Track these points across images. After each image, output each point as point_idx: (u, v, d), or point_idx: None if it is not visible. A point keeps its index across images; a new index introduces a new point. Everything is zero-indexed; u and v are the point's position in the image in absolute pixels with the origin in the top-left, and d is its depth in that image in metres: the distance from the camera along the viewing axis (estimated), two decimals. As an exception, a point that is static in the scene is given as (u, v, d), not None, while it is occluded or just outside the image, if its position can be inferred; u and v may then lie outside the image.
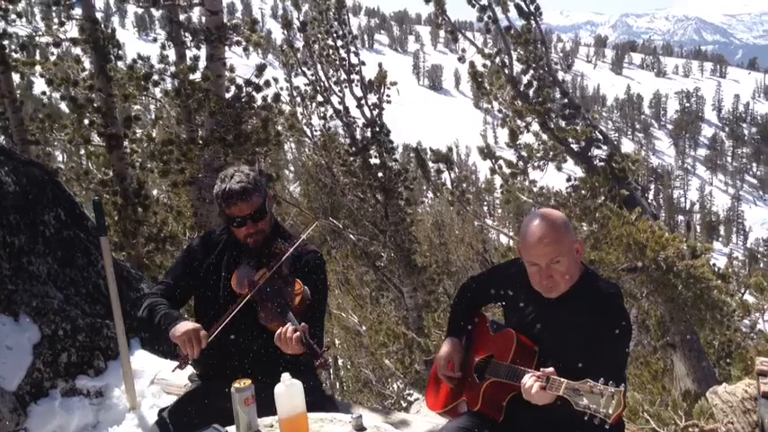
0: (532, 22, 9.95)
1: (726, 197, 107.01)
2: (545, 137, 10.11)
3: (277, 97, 9.50)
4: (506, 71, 10.10)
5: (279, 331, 2.47)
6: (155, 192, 12.22)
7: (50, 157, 12.21)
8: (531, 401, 2.22)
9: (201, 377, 2.90)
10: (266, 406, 2.35)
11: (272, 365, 2.62)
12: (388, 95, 11.28)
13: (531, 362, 2.43)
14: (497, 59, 10.12)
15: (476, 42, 10.69)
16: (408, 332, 10.63)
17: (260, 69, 8.87)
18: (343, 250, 13.60)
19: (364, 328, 11.61)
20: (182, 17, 8.90)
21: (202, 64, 8.68)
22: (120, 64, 9.49)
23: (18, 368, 3.61)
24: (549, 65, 10.20)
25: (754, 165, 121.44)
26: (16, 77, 9.51)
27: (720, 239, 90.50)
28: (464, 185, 11.52)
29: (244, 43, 8.71)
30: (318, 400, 2.61)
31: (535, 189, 10.15)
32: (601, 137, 10.35)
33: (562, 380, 2.15)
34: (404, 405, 10.01)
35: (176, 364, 2.62)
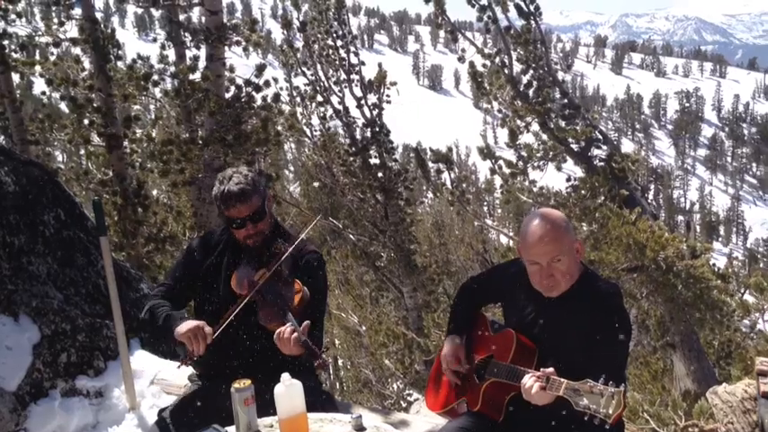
0: (532, 22, 9.95)
1: (726, 197, 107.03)
2: (545, 137, 10.11)
3: (277, 97, 9.49)
4: (506, 71, 10.10)
5: (277, 332, 2.47)
6: (154, 192, 12.22)
7: (50, 157, 12.20)
8: (531, 402, 2.22)
9: (201, 377, 2.90)
10: (266, 406, 2.35)
11: (272, 365, 2.62)
12: (387, 95, 11.27)
13: (531, 362, 2.43)
14: (497, 59, 10.12)
15: (475, 42, 10.69)
16: (408, 332, 10.63)
17: (260, 69, 8.87)
18: (342, 250, 13.60)
19: (364, 328, 11.61)
20: (181, 17, 8.90)
21: (202, 64, 8.68)
22: (119, 64, 9.50)
23: (18, 368, 3.61)
24: (548, 65, 10.20)
25: (754, 165, 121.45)
26: (16, 77, 9.51)
27: (720, 239, 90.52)
28: (464, 185, 11.52)
29: (243, 43, 8.71)
30: (318, 401, 2.61)
31: (535, 189, 10.15)
32: (600, 137, 10.35)
33: (562, 380, 2.15)
34: (404, 405, 10.02)
35: (179, 362, 2.63)
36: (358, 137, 11.41)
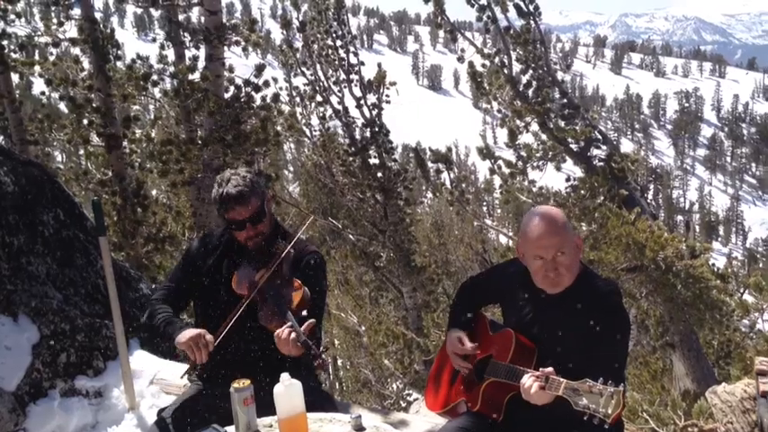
0: (531, 22, 9.95)
1: (725, 197, 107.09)
2: (544, 137, 10.11)
3: (276, 97, 9.49)
4: (505, 71, 10.10)
5: (277, 332, 2.47)
6: (154, 192, 12.21)
7: (49, 158, 12.21)
8: (531, 401, 2.23)
9: (201, 377, 2.90)
10: (266, 406, 2.35)
11: (272, 365, 2.62)
12: (387, 95, 11.27)
13: (531, 362, 2.43)
14: (496, 59, 10.13)
15: (475, 42, 10.69)
16: (408, 332, 10.63)
17: (259, 69, 8.87)
18: (342, 250, 13.60)
19: (363, 328, 11.61)
20: (181, 17, 8.90)
21: (201, 64, 8.68)
22: (119, 64, 9.50)
23: (17, 368, 3.60)
24: (548, 65, 10.21)
25: (754, 165, 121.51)
26: (15, 77, 9.51)
27: (719, 239, 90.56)
28: (463, 185, 11.51)
29: (243, 43, 8.71)
30: (318, 400, 2.60)
31: (534, 189, 10.15)
32: (600, 137, 10.35)
33: (561, 380, 2.15)
34: (403, 405, 10.02)
35: (183, 373, 2.63)
36: (357, 137, 11.41)
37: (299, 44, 11.78)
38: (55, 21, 8.99)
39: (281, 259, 2.68)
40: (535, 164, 10.22)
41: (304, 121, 11.80)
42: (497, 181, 11.05)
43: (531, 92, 10.07)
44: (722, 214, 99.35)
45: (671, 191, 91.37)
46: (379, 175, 11.16)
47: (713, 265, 9.47)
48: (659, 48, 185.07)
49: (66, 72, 8.94)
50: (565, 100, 10.45)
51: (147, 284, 5.16)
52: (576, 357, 2.28)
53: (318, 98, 11.51)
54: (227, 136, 8.47)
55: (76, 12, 8.42)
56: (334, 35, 11.24)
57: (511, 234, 13.71)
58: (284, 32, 11.71)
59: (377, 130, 11.23)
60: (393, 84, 11.30)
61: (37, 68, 9.11)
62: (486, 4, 9.93)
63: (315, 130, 11.97)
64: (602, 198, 9.46)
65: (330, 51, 11.32)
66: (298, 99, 11.79)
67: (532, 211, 2.49)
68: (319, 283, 2.80)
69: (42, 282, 4.03)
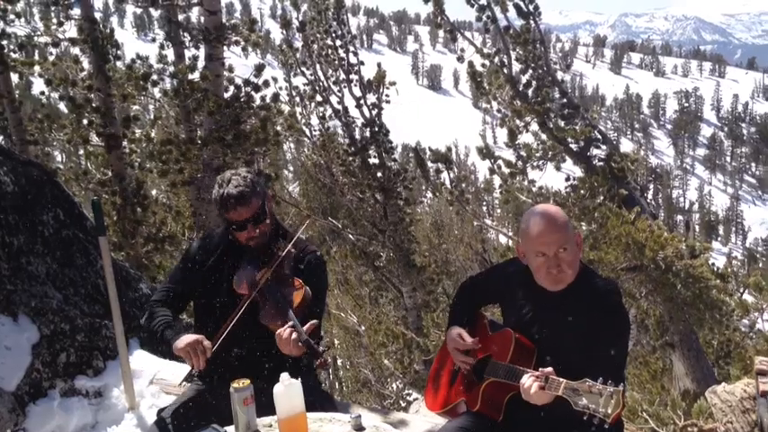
0: (531, 21, 9.95)
1: (725, 197, 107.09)
2: (544, 137, 10.11)
3: (276, 97, 9.49)
4: (505, 71, 10.09)
5: (278, 332, 2.47)
6: (154, 192, 12.21)
7: (49, 157, 12.19)
8: (531, 401, 2.22)
9: (201, 377, 2.89)
10: (265, 406, 2.35)
11: (272, 365, 2.62)
12: (386, 95, 11.26)
13: (530, 361, 2.43)
14: (496, 59, 10.12)
15: (475, 42, 10.68)
16: (407, 332, 10.62)
17: (259, 69, 8.87)
18: (342, 250, 13.59)
19: (363, 327, 11.61)
20: (180, 17, 8.89)
21: (201, 64, 8.68)
22: (118, 64, 9.48)
23: (17, 368, 3.60)
24: (547, 64, 10.20)
25: (753, 164, 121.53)
26: (15, 77, 9.50)
27: (719, 239, 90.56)
28: (463, 185, 11.51)
29: (242, 43, 8.70)
30: (317, 400, 2.61)
31: (534, 189, 10.15)
32: (600, 136, 10.35)
33: (561, 380, 2.15)
34: (403, 405, 10.02)
35: (182, 380, 2.63)
36: (357, 137, 11.40)
37: (298, 44, 11.77)
38: (54, 21, 8.98)
39: (282, 259, 2.68)
40: (535, 164, 10.21)
41: (304, 120, 11.79)
42: (497, 181, 11.04)
43: (530, 91, 10.06)
44: (722, 214, 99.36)
45: (671, 190, 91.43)
46: (379, 174, 11.15)
47: (713, 264, 9.46)
48: (659, 47, 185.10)
49: (65, 72, 8.93)
50: (564, 100, 10.45)
51: (147, 284, 5.16)
52: (575, 356, 2.28)
53: (318, 98, 11.49)
54: (226, 136, 8.47)
55: (76, 12, 8.42)
56: (333, 35, 11.23)
57: (511, 234, 13.71)
58: (284, 32, 11.71)
59: (376, 129, 11.22)
60: (393, 83, 11.29)
61: (37, 68, 9.11)
62: (485, 3, 9.92)
63: (314, 130, 11.97)
64: (601, 198, 9.46)
65: (330, 51, 11.31)
66: (297, 99, 11.77)
67: (532, 210, 2.49)
68: (320, 282, 2.80)
69: (42, 282, 4.03)
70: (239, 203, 2.66)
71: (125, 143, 9.03)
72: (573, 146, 10.09)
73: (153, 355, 4.32)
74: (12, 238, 3.95)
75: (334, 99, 11.39)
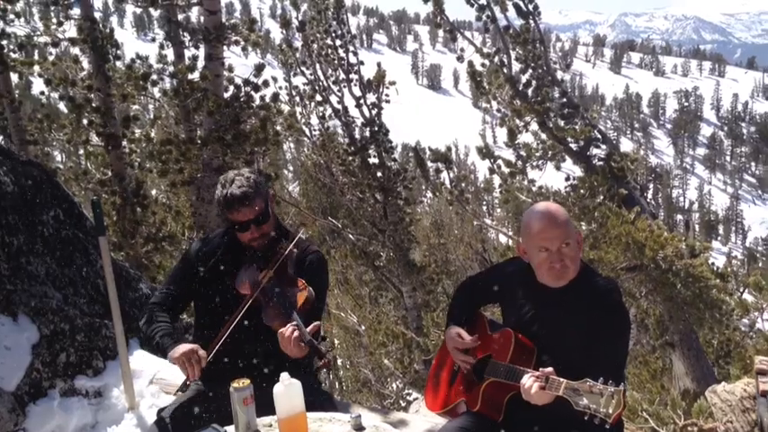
0: (531, 21, 9.94)
1: (725, 196, 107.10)
2: (544, 136, 10.11)
3: (276, 97, 9.48)
4: (505, 70, 10.09)
5: (280, 331, 2.47)
6: (153, 191, 12.21)
7: (49, 157, 12.19)
8: (531, 401, 2.22)
9: (201, 377, 2.89)
10: (265, 406, 2.35)
11: (273, 365, 2.61)
12: (386, 95, 11.25)
13: (530, 361, 2.43)
14: (496, 59, 10.11)
15: (474, 42, 10.68)
16: (407, 332, 10.62)
17: (258, 69, 8.86)
18: (342, 250, 13.58)
19: (363, 327, 11.60)
20: (180, 17, 8.88)
21: (201, 64, 8.67)
22: (118, 64, 9.48)
23: (17, 368, 3.60)
24: (547, 64, 10.20)
25: (753, 164, 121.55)
26: (14, 77, 9.50)
27: (719, 238, 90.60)
28: (463, 185, 11.50)
29: (242, 43, 8.69)
30: (317, 400, 2.60)
31: (534, 188, 10.15)
32: (599, 136, 10.34)
33: (561, 380, 2.15)
34: (403, 405, 10.02)
35: (178, 389, 2.64)
36: (357, 136, 11.39)
37: (298, 44, 11.76)
38: (54, 20, 8.97)
39: (285, 259, 2.67)
40: (535, 163, 10.21)
41: (303, 120, 11.78)
42: (497, 180, 11.04)
43: (530, 91, 10.06)
44: (722, 213, 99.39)
45: (670, 190, 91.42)
46: (379, 174, 11.14)
47: (713, 264, 9.46)
48: (659, 47, 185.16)
49: (65, 72, 8.92)
50: (564, 99, 10.44)
51: (147, 284, 5.15)
52: (575, 356, 2.28)
53: (318, 98, 11.48)
54: (226, 136, 8.46)
55: (76, 11, 8.41)
56: (333, 35, 11.23)
57: (510, 233, 13.71)
58: (284, 32, 11.70)
59: (376, 129, 11.21)
60: (392, 83, 11.29)
61: (36, 68, 9.10)
62: (485, 3, 9.91)
63: (314, 130, 11.96)
64: (601, 197, 9.46)
65: (329, 51, 11.31)
66: (297, 98, 11.76)
67: (533, 207, 2.50)
68: (321, 281, 2.80)
69: (42, 281, 4.03)
70: (243, 204, 2.65)
71: (125, 143, 9.02)
72: (573, 145, 10.09)
73: (153, 355, 4.31)
74: (11, 238, 3.95)
75: (333, 99, 11.39)
